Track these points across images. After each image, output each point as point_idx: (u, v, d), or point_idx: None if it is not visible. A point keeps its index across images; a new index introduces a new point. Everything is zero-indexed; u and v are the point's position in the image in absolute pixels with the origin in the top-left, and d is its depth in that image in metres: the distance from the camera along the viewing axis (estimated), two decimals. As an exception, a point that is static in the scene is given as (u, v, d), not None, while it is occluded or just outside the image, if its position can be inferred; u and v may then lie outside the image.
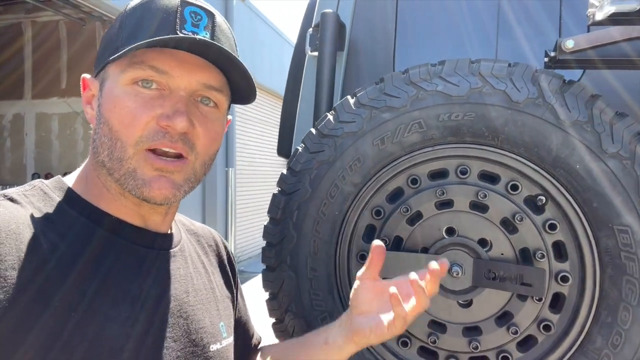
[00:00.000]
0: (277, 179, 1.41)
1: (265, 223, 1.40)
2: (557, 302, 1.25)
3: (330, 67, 1.70)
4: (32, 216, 0.77)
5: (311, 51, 1.83)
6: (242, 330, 1.13)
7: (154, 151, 0.82)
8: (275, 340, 1.45)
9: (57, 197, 0.83)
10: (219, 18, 0.88)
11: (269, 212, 1.40)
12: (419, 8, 1.82)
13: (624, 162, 1.14)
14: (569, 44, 1.15)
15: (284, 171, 1.38)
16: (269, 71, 10.54)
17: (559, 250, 1.24)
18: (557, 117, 1.17)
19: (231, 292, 1.10)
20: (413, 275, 0.90)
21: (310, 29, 1.84)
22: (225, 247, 1.15)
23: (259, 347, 1.20)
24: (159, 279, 0.88)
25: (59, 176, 0.89)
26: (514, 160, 1.24)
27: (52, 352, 0.70)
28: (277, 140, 2.32)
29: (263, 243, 1.41)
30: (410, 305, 0.90)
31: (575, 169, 1.17)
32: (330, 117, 1.35)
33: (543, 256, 1.22)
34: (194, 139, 0.84)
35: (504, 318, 1.27)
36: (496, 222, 1.26)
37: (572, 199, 1.20)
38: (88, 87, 0.91)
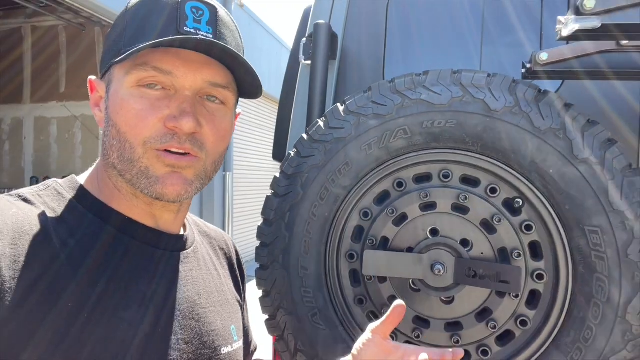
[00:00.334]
0: (273, 183, 1.48)
1: (259, 224, 1.47)
2: (533, 298, 1.32)
3: (322, 75, 1.77)
4: (45, 217, 0.77)
5: (305, 60, 1.90)
6: (244, 337, 1.12)
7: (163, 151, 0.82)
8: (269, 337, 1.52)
9: (71, 198, 0.83)
10: (221, 11, 0.87)
11: (262, 213, 1.47)
12: (408, 19, 1.90)
13: (594, 167, 1.21)
14: (543, 56, 1.23)
15: (277, 175, 1.46)
16: (268, 77, 10.62)
17: (535, 250, 1.31)
18: (532, 124, 1.25)
19: (240, 296, 1.10)
20: (423, 356, 0.86)
21: (304, 39, 1.91)
22: (236, 252, 1.16)
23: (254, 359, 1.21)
24: (171, 280, 0.88)
25: (73, 175, 0.90)
26: (492, 165, 1.32)
27: (63, 351, 0.70)
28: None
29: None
30: None
31: (549, 173, 1.25)
32: (320, 123, 1.43)
33: (520, 255, 1.29)
34: (203, 138, 0.84)
35: (483, 314, 1.34)
36: (476, 223, 1.33)
37: (547, 201, 1.27)
38: (95, 89, 0.90)
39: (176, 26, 0.81)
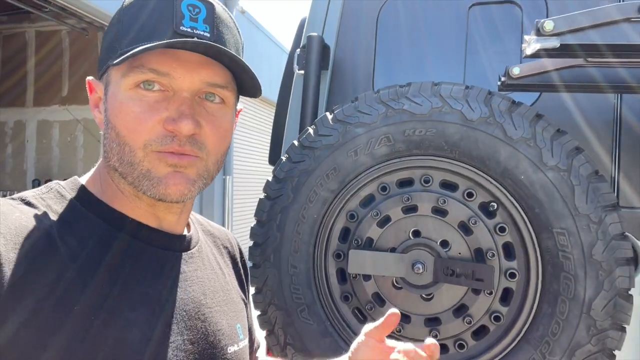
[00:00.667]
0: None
1: (252, 225, 1.57)
2: (506, 296, 1.41)
3: (314, 84, 1.87)
4: (49, 220, 0.76)
5: (299, 70, 2.00)
6: (249, 335, 1.11)
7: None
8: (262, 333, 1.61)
9: (74, 199, 0.83)
10: (219, 8, 0.85)
11: (255, 215, 1.57)
12: (396, 33, 2.00)
13: (562, 173, 1.31)
14: (515, 70, 1.33)
15: (269, 178, 1.56)
16: (268, 82, 10.67)
17: (508, 250, 1.41)
18: (505, 134, 1.35)
19: (244, 295, 1.10)
20: (409, 345, 0.87)
21: (298, 50, 2.01)
22: (240, 250, 1.15)
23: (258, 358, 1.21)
24: (176, 281, 0.87)
25: (76, 177, 0.89)
26: (469, 171, 1.41)
27: (74, 356, 0.69)
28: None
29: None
30: None
31: (521, 179, 1.34)
32: (310, 130, 1.52)
33: (494, 255, 1.39)
34: (203, 139, 0.83)
35: (460, 310, 1.43)
36: (454, 225, 1.43)
37: (519, 205, 1.37)
38: (94, 90, 0.89)
39: (172, 25, 0.79)
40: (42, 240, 0.72)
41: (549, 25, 1.03)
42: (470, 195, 1.43)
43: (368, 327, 0.93)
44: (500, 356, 1.38)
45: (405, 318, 1.46)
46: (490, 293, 1.40)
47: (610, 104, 1.69)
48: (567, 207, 1.30)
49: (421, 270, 1.42)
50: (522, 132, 1.34)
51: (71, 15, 7.17)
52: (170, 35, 0.79)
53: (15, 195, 0.79)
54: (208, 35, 0.82)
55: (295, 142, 1.54)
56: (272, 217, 1.52)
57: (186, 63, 0.80)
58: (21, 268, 0.68)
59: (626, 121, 1.68)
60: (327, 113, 1.53)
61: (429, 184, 1.46)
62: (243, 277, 1.11)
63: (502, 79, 1.40)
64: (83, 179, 0.89)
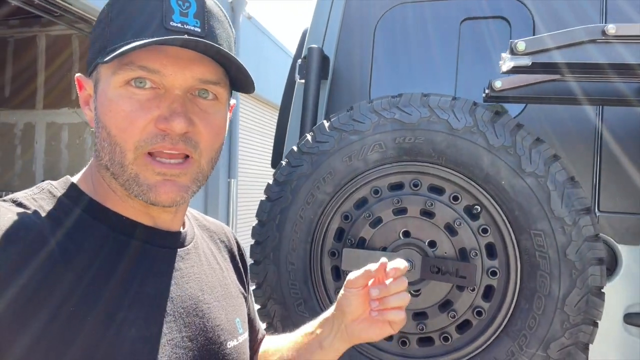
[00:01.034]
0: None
1: (253, 225, 1.68)
2: (488, 292, 1.52)
3: (314, 93, 1.99)
4: (41, 220, 0.75)
5: (300, 79, 2.12)
6: (251, 328, 1.12)
7: (156, 154, 0.79)
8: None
9: (66, 199, 0.81)
10: (209, 1, 0.83)
11: (257, 215, 1.68)
12: (392, 45, 2.11)
13: (539, 179, 1.42)
14: (497, 84, 1.44)
15: (270, 181, 1.67)
16: (274, 87, 10.82)
17: (490, 250, 1.51)
18: (488, 142, 1.46)
19: (243, 288, 1.09)
20: (377, 265, 0.92)
21: (300, 60, 2.13)
22: (237, 243, 1.14)
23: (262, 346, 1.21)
24: (173, 278, 0.86)
25: (67, 177, 0.87)
26: (455, 176, 1.52)
27: (71, 356, 0.69)
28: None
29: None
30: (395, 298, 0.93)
31: (502, 184, 1.45)
32: (309, 137, 1.64)
33: (477, 254, 1.50)
34: (196, 136, 0.81)
35: (445, 305, 1.54)
36: (441, 226, 1.54)
37: (500, 208, 1.48)
38: (83, 87, 0.87)
39: (162, 21, 0.77)
40: (36, 241, 0.71)
41: (521, 45, 1.14)
42: (455, 198, 1.54)
43: (351, 276, 0.95)
44: (482, 348, 1.49)
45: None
46: (473, 290, 1.50)
47: (593, 114, 1.80)
48: (543, 210, 1.41)
49: (410, 268, 1.52)
50: (503, 141, 1.45)
51: (80, 19, 7.34)
52: (159, 31, 0.77)
53: (7, 197, 0.78)
54: (199, 30, 0.80)
55: (295, 148, 1.65)
56: (272, 217, 1.63)
57: (177, 60, 0.78)
58: (14, 269, 0.68)
59: (607, 129, 1.79)
60: (325, 121, 1.64)
61: (418, 188, 1.57)
62: (242, 270, 1.11)
63: (487, 91, 1.51)
64: (75, 178, 0.87)
